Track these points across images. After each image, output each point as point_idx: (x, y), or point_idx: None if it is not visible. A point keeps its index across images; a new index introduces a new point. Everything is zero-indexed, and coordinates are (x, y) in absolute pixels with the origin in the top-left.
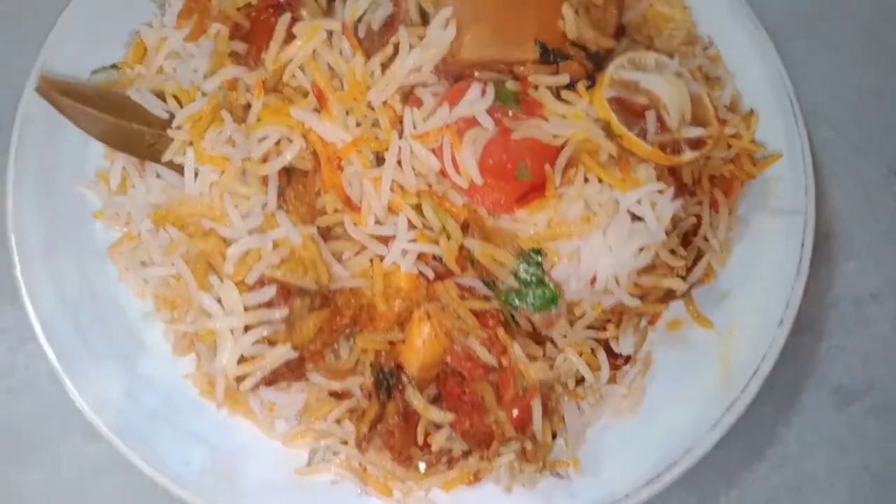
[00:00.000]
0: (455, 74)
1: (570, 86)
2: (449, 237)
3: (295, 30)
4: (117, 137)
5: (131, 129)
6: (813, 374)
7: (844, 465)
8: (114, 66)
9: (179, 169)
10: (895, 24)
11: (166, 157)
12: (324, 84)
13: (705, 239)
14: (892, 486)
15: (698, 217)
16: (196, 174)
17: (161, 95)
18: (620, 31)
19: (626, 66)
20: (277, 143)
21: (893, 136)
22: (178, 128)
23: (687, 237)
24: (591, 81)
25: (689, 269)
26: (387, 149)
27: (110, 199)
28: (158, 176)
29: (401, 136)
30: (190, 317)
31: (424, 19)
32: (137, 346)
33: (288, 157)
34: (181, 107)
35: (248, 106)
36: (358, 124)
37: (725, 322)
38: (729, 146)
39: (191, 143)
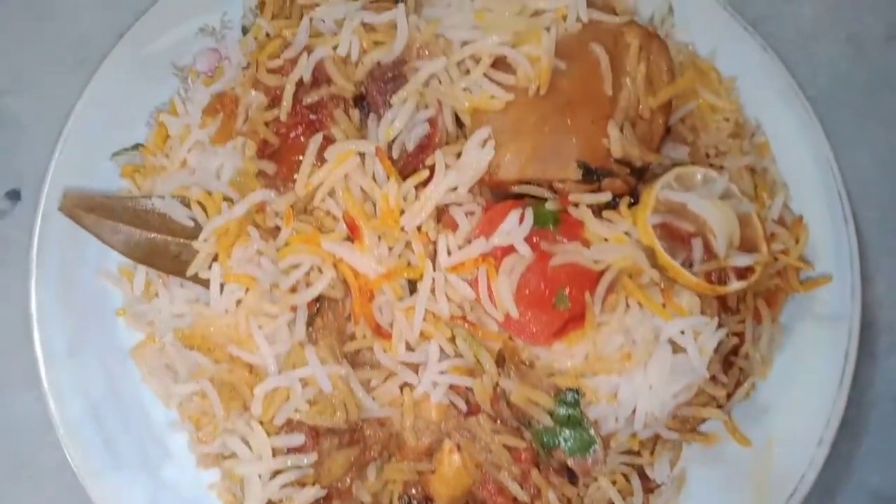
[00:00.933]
0: (492, 188)
1: (613, 202)
2: (483, 370)
3: (327, 154)
4: (141, 251)
5: (155, 241)
6: (850, 479)
7: None
8: (135, 147)
9: (204, 282)
10: None
11: (191, 270)
12: (356, 214)
13: (746, 357)
14: None
15: (741, 335)
16: (221, 289)
17: (185, 201)
18: (666, 133)
19: (673, 185)
20: (306, 272)
21: None
22: (204, 241)
23: (727, 357)
24: (634, 197)
25: (729, 395)
26: (420, 278)
27: (133, 301)
28: (182, 285)
29: (434, 265)
30: (217, 443)
31: (461, 129)
32: (162, 453)
33: (319, 288)
34: (206, 214)
35: (277, 227)
36: (390, 250)
37: (763, 438)
38: (775, 259)
39: (216, 258)
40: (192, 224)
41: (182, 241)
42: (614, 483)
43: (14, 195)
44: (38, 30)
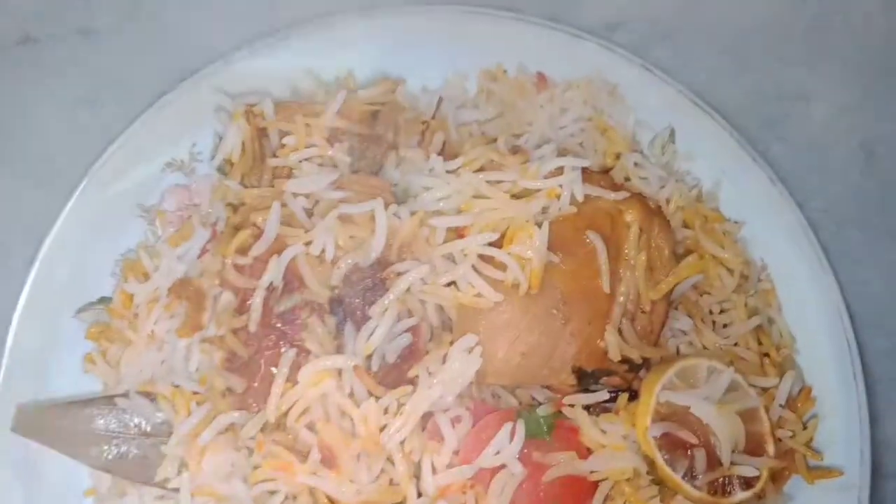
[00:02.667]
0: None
1: (611, 397)
2: None
3: (300, 374)
4: (105, 462)
5: (120, 450)
6: None
7: None
8: (101, 301)
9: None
10: None
11: (159, 476)
12: (333, 442)
13: None
14: None
15: None
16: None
17: (151, 395)
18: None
19: (675, 381)
20: (282, 500)
21: None
22: (171, 446)
23: None
24: (631, 392)
25: None
26: (404, 501)
27: (102, 496)
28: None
29: (419, 484)
30: None
31: (445, 320)
32: None
33: None
34: (174, 412)
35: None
36: (369, 470)
37: None
38: (781, 441)
39: (185, 465)
40: (159, 420)
41: (148, 442)
42: None
43: None
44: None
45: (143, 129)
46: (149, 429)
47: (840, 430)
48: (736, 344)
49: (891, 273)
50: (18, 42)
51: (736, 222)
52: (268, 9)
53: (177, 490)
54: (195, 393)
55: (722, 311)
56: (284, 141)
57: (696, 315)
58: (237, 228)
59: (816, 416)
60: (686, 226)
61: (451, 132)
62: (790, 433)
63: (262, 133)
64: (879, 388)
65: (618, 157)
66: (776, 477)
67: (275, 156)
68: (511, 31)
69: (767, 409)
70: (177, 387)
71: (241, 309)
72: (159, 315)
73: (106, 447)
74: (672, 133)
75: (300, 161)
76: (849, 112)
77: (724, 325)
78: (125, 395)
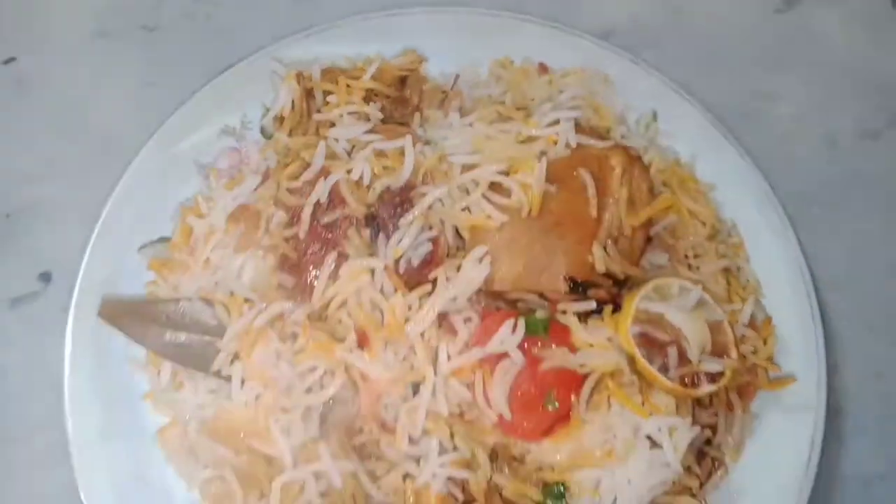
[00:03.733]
0: (488, 297)
1: (598, 309)
2: (478, 464)
3: (341, 270)
4: (169, 351)
5: (182, 343)
6: None
7: None
8: (161, 240)
9: (227, 377)
10: None
11: (214, 367)
12: (366, 325)
13: (719, 447)
14: None
15: (713, 427)
16: (242, 385)
17: (209, 302)
18: (647, 243)
19: (652, 296)
20: (321, 376)
21: None
22: (226, 341)
23: (701, 448)
24: (616, 305)
25: (702, 483)
26: (423, 380)
27: (160, 389)
28: (206, 377)
29: (435, 369)
30: None
31: (461, 240)
32: None
33: (331, 391)
34: (229, 315)
35: (294, 333)
36: (395, 354)
37: None
38: (745, 357)
39: (238, 356)
40: (215, 323)
41: (207, 339)
42: None
43: (46, 277)
44: (67, 119)
45: (203, 100)
46: (207, 329)
47: (800, 361)
48: None
49: (851, 243)
50: (95, 35)
51: (708, 184)
52: (310, 10)
53: (229, 379)
54: (247, 300)
55: (696, 256)
56: (328, 99)
57: (671, 254)
58: (287, 166)
59: (775, 329)
60: (665, 185)
61: (466, 100)
62: (752, 348)
63: (308, 94)
64: (839, 344)
65: (608, 131)
66: (743, 393)
67: (318, 112)
68: (518, 29)
69: (732, 326)
70: (231, 295)
71: (292, 223)
72: (216, 242)
73: (170, 337)
74: (655, 114)
75: (341, 115)
76: (813, 109)
77: (698, 267)
78: (189, 298)
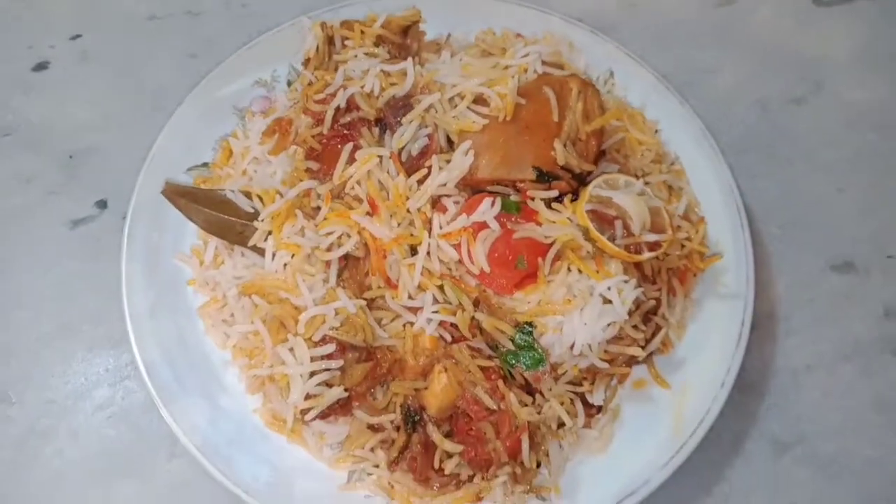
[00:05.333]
0: (472, 187)
1: (559, 198)
2: (463, 310)
3: (357, 155)
4: (215, 226)
5: (225, 220)
6: (755, 428)
7: (777, 502)
8: (204, 165)
9: (260, 251)
10: (831, 148)
11: (251, 242)
12: (375, 196)
13: (664, 318)
14: None
15: (658, 300)
16: (274, 256)
17: (248, 195)
18: (601, 155)
19: (603, 186)
20: (339, 237)
21: (829, 238)
22: (262, 221)
23: (647, 316)
24: (575, 195)
25: (648, 341)
26: (419, 244)
27: (202, 271)
28: (244, 255)
29: (430, 234)
30: (266, 364)
31: (451, 146)
32: (218, 387)
33: (347, 247)
34: (263, 204)
35: (318, 208)
36: (398, 224)
37: (679, 383)
38: (683, 246)
39: (271, 233)
40: (252, 210)
41: (245, 221)
42: (562, 404)
43: (102, 204)
44: (123, 82)
45: (240, 58)
46: (245, 215)
47: (732, 260)
48: None
49: (780, 183)
50: (146, 18)
51: (654, 121)
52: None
53: (262, 253)
54: (278, 191)
55: (644, 175)
56: (346, 43)
57: (622, 170)
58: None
59: (705, 223)
60: (617, 120)
61: (456, 51)
62: (686, 235)
63: (329, 39)
64: (772, 262)
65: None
66: (682, 279)
67: (338, 54)
68: (499, 9)
69: (669, 214)
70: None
71: (317, 125)
72: (253, 155)
73: (217, 219)
74: (612, 73)
75: (355, 56)
76: (748, 80)
77: (647, 183)
78: (232, 190)
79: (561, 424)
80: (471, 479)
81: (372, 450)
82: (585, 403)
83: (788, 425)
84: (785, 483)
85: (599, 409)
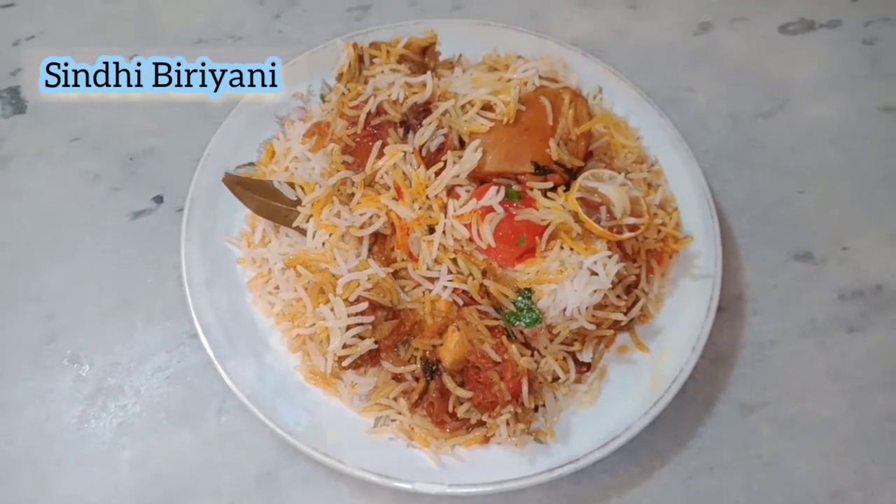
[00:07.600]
0: (480, 178)
1: (554, 188)
2: (473, 279)
3: (385, 150)
4: (265, 210)
5: (273, 205)
6: (725, 393)
7: (744, 455)
8: (250, 164)
9: (302, 231)
10: (794, 156)
11: (295, 223)
12: (400, 184)
13: (643, 290)
14: (777, 471)
15: (638, 276)
16: (314, 235)
17: (292, 185)
18: (589, 155)
19: (590, 178)
20: (370, 217)
21: (791, 232)
22: (304, 206)
23: (629, 289)
24: (567, 186)
25: (629, 308)
26: (437, 224)
27: (250, 250)
28: (287, 235)
29: (445, 216)
30: (308, 323)
31: (462, 144)
32: (264, 347)
33: (377, 226)
34: (305, 193)
35: (352, 195)
36: (419, 207)
37: (658, 348)
38: (658, 230)
39: (312, 216)
40: (295, 198)
41: (289, 207)
42: (557, 361)
43: (159, 199)
44: (176, 95)
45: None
46: (290, 202)
47: (703, 245)
48: None
49: (749, 185)
50: (195, 42)
51: (635, 129)
52: (360, 27)
53: (304, 232)
54: (318, 183)
55: (627, 173)
56: (374, 61)
57: (608, 166)
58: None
59: (679, 211)
60: (604, 127)
61: (466, 66)
62: (661, 220)
63: (360, 58)
64: (741, 252)
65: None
66: (659, 260)
67: (367, 69)
68: (504, 35)
69: (647, 203)
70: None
71: (351, 126)
72: (294, 154)
73: (267, 204)
74: (600, 89)
75: (382, 71)
76: (721, 97)
77: (630, 180)
78: (279, 181)
79: (555, 378)
80: (480, 423)
81: (395, 399)
82: (577, 362)
83: (754, 391)
84: (751, 439)
85: (588, 366)
